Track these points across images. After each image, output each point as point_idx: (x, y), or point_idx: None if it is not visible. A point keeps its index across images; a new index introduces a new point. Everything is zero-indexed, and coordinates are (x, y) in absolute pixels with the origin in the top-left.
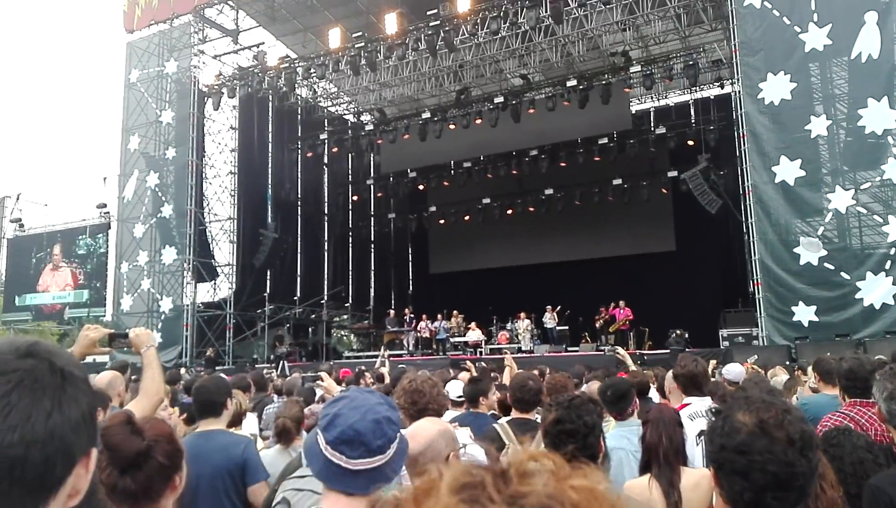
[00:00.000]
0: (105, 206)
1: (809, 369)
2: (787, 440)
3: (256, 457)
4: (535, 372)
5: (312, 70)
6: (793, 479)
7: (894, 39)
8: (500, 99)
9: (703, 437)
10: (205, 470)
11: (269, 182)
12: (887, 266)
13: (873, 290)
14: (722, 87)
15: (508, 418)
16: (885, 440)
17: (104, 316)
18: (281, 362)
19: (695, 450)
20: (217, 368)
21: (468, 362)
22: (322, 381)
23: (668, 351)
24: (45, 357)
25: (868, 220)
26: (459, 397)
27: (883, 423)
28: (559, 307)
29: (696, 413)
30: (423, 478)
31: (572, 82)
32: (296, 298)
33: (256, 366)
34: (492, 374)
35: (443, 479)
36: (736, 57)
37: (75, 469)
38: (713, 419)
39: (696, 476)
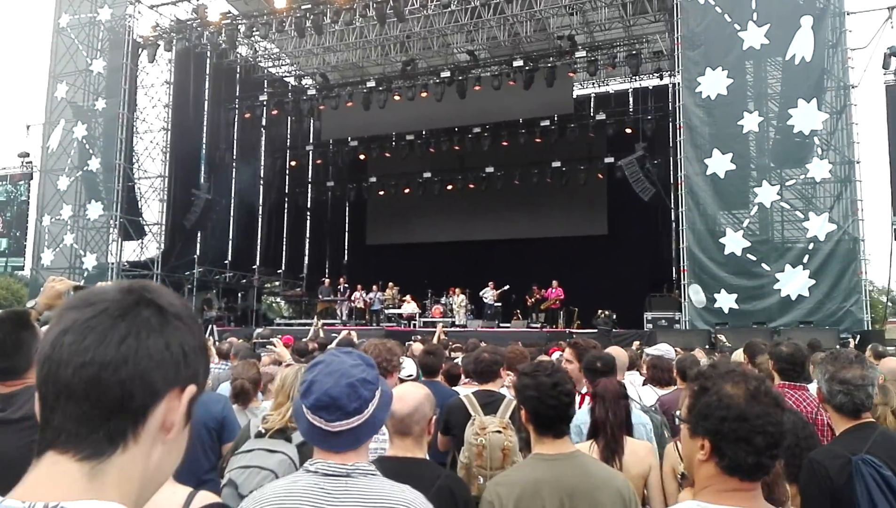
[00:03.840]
0: (28, 155)
1: (739, 352)
2: (775, 403)
3: (233, 415)
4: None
5: (255, 28)
6: (782, 437)
7: (826, 45)
8: (446, 74)
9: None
10: None
11: (204, 141)
12: (805, 260)
13: (791, 281)
14: (661, 78)
15: (473, 389)
16: (809, 420)
17: (23, 268)
18: (210, 326)
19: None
20: None
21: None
22: (274, 346)
23: (595, 330)
24: (139, 292)
25: (790, 215)
26: (409, 375)
27: (821, 403)
28: (506, 287)
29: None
30: None
31: (518, 63)
32: (226, 261)
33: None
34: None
35: None
36: (678, 50)
37: (163, 401)
38: (700, 397)
39: (636, 445)
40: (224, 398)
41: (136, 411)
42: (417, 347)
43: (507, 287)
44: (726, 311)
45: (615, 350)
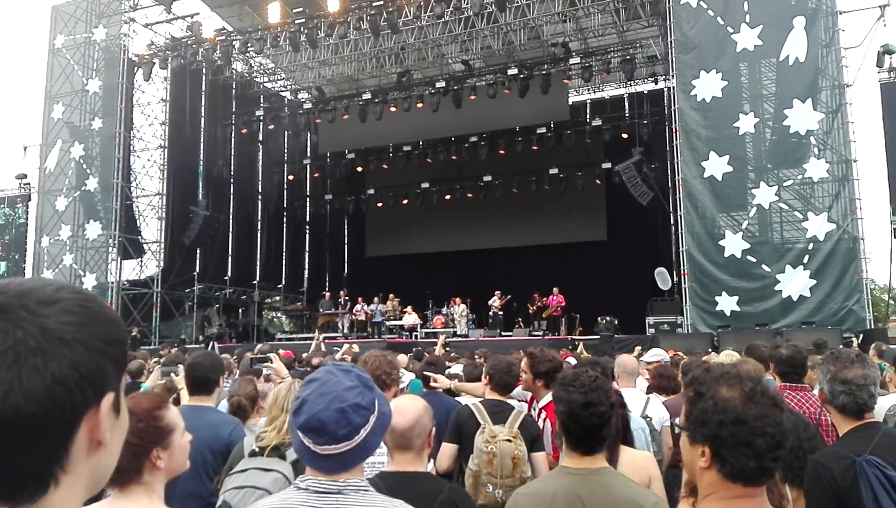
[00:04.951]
0: (25, 176)
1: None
2: (773, 403)
3: (242, 440)
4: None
5: (250, 44)
6: (784, 438)
7: (820, 44)
8: (441, 84)
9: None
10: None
11: (201, 158)
12: (805, 260)
13: (791, 282)
14: (656, 82)
15: (480, 399)
16: (813, 421)
17: None
18: (211, 342)
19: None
20: (142, 349)
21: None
22: (272, 362)
23: (597, 337)
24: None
25: (789, 215)
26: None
27: (823, 404)
28: (509, 296)
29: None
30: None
31: (513, 71)
32: (226, 278)
33: (186, 347)
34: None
35: None
36: (671, 54)
37: (79, 429)
38: (696, 403)
39: (636, 455)
40: (236, 422)
41: (49, 452)
42: (402, 358)
43: (509, 297)
44: (728, 313)
45: (623, 358)
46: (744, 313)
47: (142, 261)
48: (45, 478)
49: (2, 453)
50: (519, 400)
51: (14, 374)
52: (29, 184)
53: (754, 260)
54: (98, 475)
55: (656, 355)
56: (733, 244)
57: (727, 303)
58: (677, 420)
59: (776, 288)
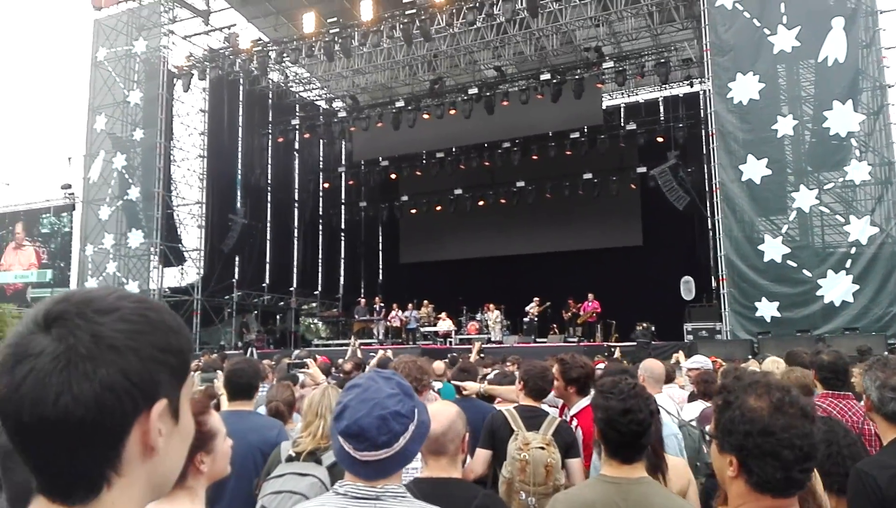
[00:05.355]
0: (70, 187)
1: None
2: (802, 414)
3: (287, 440)
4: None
5: (285, 54)
6: (814, 449)
7: (860, 45)
8: (474, 90)
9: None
10: (237, 449)
11: (239, 167)
12: (847, 265)
13: (833, 287)
14: (691, 85)
15: (514, 405)
16: (856, 431)
17: None
18: (249, 348)
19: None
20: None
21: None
22: (308, 368)
23: (634, 343)
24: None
25: (830, 219)
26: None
27: (868, 412)
28: (549, 303)
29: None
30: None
31: (546, 76)
32: (264, 284)
33: (225, 353)
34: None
35: None
36: (707, 56)
37: (131, 431)
38: (724, 412)
39: (675, 461)
40: (279, 424)
41: (100, 455)
42: (438, 365)
43: (548, 303)
44: (768, 319)
45: (650, 363)
46: (784, 319)
47: (182, 269)
48: (97, 480)
49: (53, 453)
50: (550, 406)
51: (64, 378)
52: (73, 193)
53: (795, 265)
54: (157, 480)
55: (698, 362)
56: (773, 249)
57: (767, 309)
58: (708, 428)
59: (818, 293)
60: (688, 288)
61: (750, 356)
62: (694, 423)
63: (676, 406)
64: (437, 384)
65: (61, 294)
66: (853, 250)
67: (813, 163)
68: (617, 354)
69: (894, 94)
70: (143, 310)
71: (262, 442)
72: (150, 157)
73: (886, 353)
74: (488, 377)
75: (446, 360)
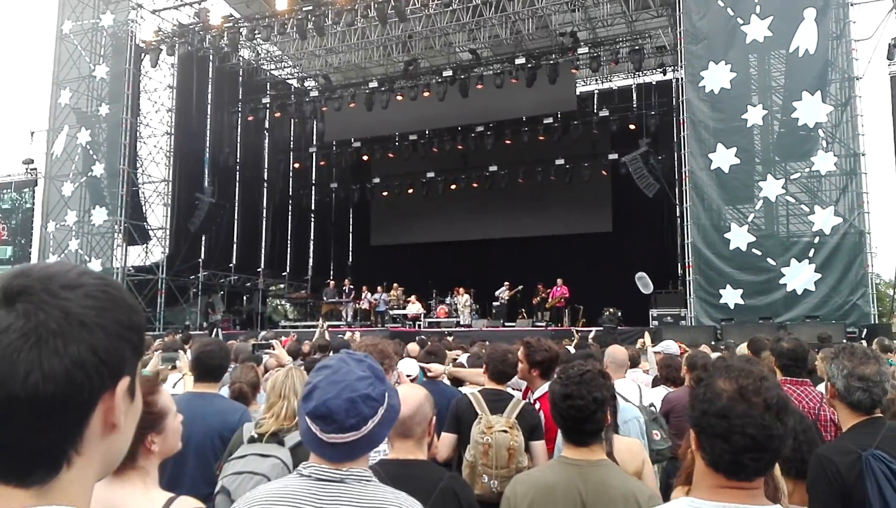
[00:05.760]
0: (32, 162)
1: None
2: (765, 405)
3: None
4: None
5: (257, 31)
6: (769, 441)
7: (830, 36)
8: (448, 73)
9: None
10: (197, 430)
11: (207, 145)
12: (811, 254)
13: (796, 276)
14: (664, 73)
15: (478, 388)
16: (811, 417)
17: None
18: (215, 329)
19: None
20: (147, 334)
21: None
22: (273, 349)
23: (601, 328)
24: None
25: (795, 209)
26: (408, 375)
27: (831, 399)
28: (520, 287)
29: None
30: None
31: (521, 60)
32: (231, 265)
33: (190, 333)
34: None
35: None
36: (680, 44)
37: (95, 410)
38: (695, 388)
39: (629, 442)
40: (243, 408)
41: (65, 433)
42: (413, 347)
43: (520, 288)
44: (732, 306)
45: (613, 349)
46: (748, 307)
47: (147, 247)
48: (58, 459)
49: (19, 431)
50: (513, 389)
51: (35, 355)
52: (36, 169)
53: (760, 253)
54: (110, 457)
55: (665, 347)
56: (739, 237)
57: (731, 296)
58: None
59: (781, 282)
60: (644, 283)
61: (712, 342)
62: (648, 408)
63: (638, 391)
64: (412, 364)
65: (17, 269)
66: (817, 240)
67: (781, 153)
68: (591, 338)
69: (862, 86)
70: (104, 287)
71: (222, 425)
72: (115, 133)
73: (845, 341)
74: (461, 359)
75: (419, 341)
